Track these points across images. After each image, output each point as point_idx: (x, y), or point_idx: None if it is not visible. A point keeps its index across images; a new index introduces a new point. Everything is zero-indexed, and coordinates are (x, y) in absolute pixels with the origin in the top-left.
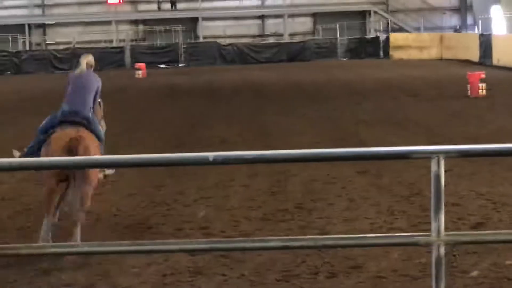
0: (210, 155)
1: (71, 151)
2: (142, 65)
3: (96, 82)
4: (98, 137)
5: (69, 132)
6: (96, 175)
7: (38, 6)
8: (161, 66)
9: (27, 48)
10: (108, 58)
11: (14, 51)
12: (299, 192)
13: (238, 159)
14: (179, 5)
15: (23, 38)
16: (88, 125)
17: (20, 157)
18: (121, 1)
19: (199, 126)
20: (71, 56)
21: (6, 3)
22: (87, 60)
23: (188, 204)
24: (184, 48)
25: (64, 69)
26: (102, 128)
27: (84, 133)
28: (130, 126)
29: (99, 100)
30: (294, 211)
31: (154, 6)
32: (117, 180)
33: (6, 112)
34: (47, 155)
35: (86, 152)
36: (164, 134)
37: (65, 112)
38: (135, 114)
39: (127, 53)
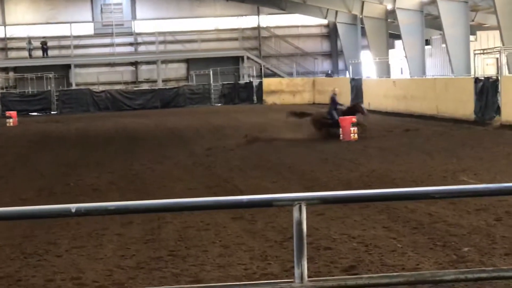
0: (72, 206)
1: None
2: (13, 113)
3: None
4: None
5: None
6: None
7: None
8: (33, 113)
9: None
10: None
11: None
12: (172, 240)
13: (101, 210)
14: (51, 52)
15: None
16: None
17: None
18: None
19: (72, 174)
20: None
21: None
22: (334, 90)
23: (60, 254)
24: (56, 95)
25: None
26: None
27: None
28: (1, 174)
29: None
30: (168, 258)
31: (25, 53)
32: None
33: None
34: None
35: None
36: (36, 183)
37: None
38: (6, 163)
39: None
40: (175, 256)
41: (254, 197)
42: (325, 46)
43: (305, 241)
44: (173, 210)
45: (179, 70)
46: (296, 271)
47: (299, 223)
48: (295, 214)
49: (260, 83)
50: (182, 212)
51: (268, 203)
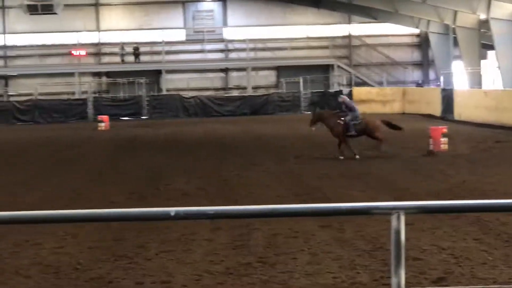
0: (172, 210)
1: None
2: (105, 117)
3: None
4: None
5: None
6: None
7: (0, 57)
8: (124, 118)
9: None
10: (71, 110)
11: None
12: (261, 246)
13: (200, 215)
14: (143, 58)
15: None
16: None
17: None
18: (85, 53)
19: (161, 179)
20: (33, 107)
21: None
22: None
23: (150, 257)
24: (147, 100)
25: (26, 120)
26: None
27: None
28: (92, 178)
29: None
30: (256, 265)
31: (118, 59)
32: (77, 233)
33: None
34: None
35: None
36: (126, 187)
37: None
38: (97, 166)
39: (90, 105)
40: (264, 263)
41: (352, 204)
42: (415, 55)
43: (403, 250)
44: (273, 216)
45: (269, 77)
46: (393, 280)
47: (398, 232)
48: (394, 223)
49: (350, 92)
50: (272, 218)
51: (366, 211)
